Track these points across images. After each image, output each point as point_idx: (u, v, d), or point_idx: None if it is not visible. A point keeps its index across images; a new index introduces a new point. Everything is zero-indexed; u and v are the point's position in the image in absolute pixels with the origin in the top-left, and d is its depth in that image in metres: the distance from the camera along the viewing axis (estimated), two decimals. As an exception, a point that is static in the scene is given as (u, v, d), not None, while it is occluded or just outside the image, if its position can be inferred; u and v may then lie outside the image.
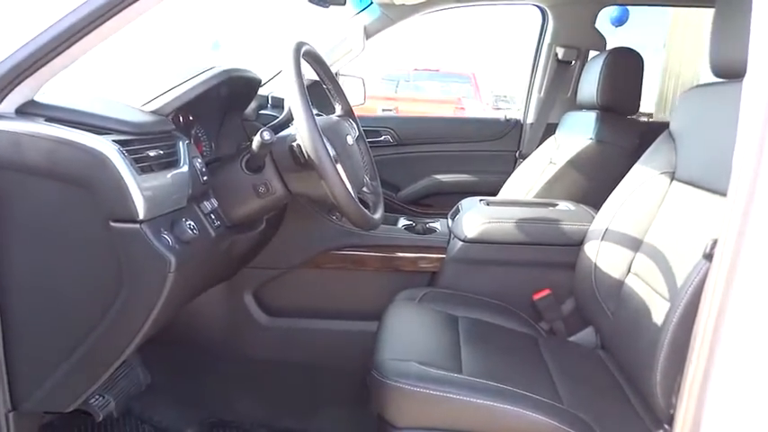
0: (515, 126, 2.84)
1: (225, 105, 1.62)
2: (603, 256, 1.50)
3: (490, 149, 2.82)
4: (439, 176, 2.80)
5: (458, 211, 1.90)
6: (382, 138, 2.79)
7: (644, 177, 1.47)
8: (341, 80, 1.62)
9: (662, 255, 1.28)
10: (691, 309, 1.01)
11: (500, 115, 2.96)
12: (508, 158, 2.78)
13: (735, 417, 0.83)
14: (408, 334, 1.38)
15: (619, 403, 1.25)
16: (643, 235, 1.40)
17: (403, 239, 1.81)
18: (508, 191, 2.41)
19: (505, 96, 7.46)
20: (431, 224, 1.95)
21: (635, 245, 1.40)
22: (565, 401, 1.21)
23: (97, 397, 1.31)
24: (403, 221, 1.97)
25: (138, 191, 1.02)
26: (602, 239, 1.52)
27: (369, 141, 1.73)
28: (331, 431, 1.68)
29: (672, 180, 1.39)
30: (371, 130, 2.72)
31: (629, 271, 1.41)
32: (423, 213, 2.47)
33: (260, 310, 1.81)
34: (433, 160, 2.81)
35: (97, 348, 1.09)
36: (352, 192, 1.29)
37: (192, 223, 1.15)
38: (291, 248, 1.77)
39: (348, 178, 1.31)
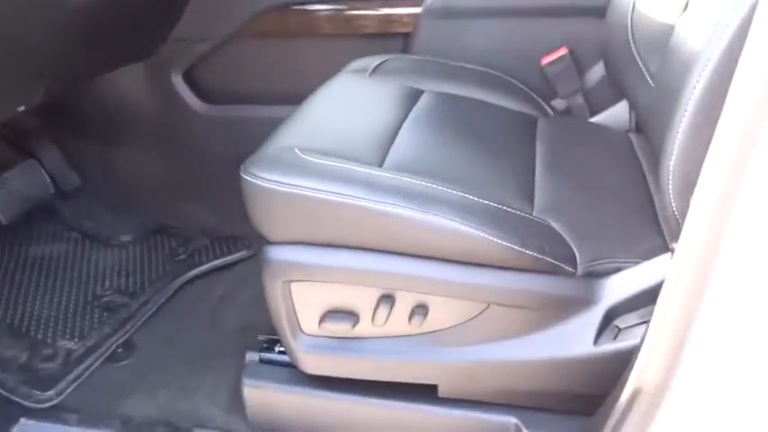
0: None
1: None
2: (645, -13, 0.94)
3: None
4: None
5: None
6: None
7: None
8: None
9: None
10: None
11: None
12: None
13: None
14: (329, 116, 0.96)
15: (629, 208, 0.82)
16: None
17: None
18: None
19: None
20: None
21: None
22: (537, 206, 0.79)
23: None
24: None
25: None
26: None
27: None
28: None
29: None
30: None
31: (686, 7, 0.87)
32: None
33: (194, 95, 1.44)
34: None
35: None
36: None
37: None
38: (218, 11, 1.33)
39: None
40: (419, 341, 0.77)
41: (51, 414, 1.00)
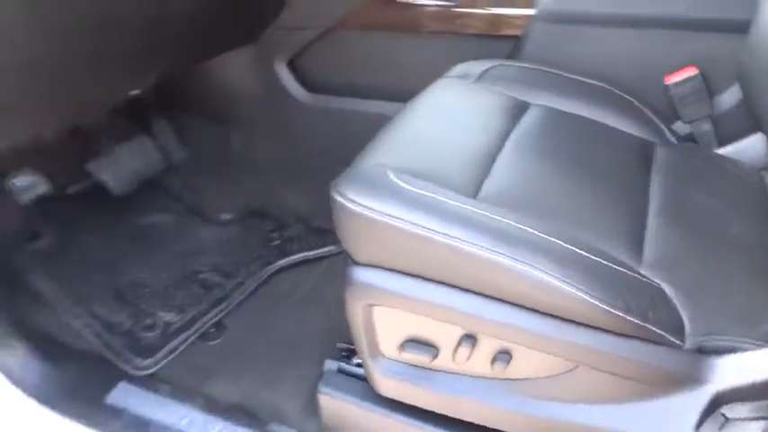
0: None
1: None
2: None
3: None
4: None
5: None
6: None
7: None
8: None
9: None
10: None
11: None
12: None
13: None
14: (427, 130, 0.92)
15: (757, 273, 0.74)
16: None
17: None
18: None
19: None
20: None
21: None
22: (645, 260, 0.73)
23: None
24: None
25: None
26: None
27: None
28: None
29: None
30: None
31: None
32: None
33: (297, 83, 1.45)
34: None
35: None
36: None
37: None
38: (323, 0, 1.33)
39: None
40: (499, 386, 0.74)
41: (147, 382, 1.07)
